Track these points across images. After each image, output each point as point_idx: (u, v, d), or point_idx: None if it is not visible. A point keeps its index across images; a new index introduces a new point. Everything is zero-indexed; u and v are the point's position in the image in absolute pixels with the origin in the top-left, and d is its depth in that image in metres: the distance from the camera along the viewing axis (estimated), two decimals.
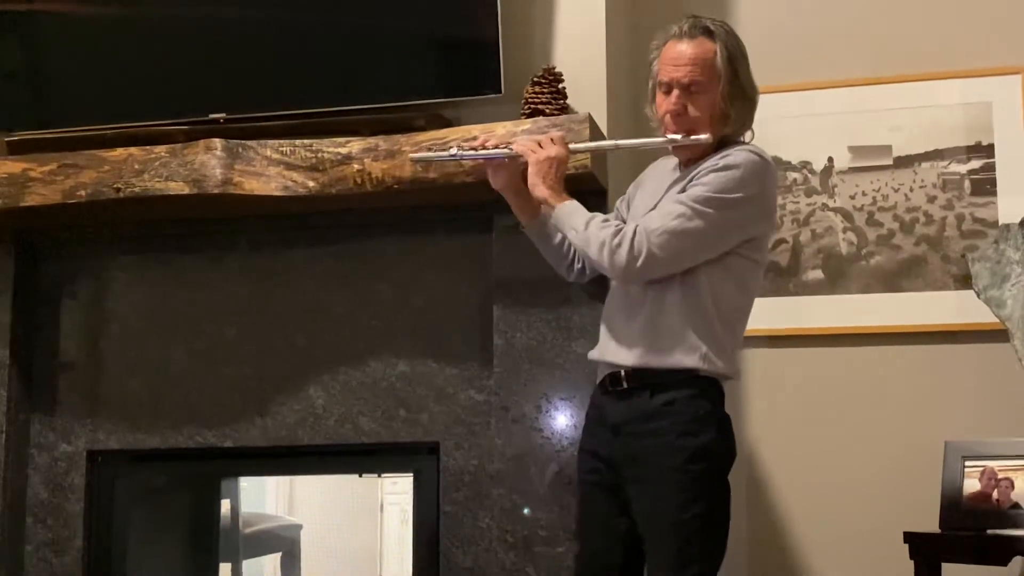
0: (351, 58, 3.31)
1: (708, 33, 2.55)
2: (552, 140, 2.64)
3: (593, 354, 2.67)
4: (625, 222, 2.60)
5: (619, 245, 2.45)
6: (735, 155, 2.48)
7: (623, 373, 2.53)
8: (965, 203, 3.34)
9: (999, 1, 3.40)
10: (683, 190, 2.50)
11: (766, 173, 2.52)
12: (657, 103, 2.60)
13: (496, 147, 2.72)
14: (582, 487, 2.66)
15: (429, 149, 2.89)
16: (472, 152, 2.73)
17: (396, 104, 3.23)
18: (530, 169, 2.62)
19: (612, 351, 2.57)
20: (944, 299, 3.31)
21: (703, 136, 2.54)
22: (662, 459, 2.44)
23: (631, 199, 2.75)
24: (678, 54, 2.54)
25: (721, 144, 2.56)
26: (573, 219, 2.56)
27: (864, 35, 3.47)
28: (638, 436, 2.48)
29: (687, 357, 2.46)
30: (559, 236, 2.74)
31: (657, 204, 2.56)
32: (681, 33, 2.56)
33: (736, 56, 2.55)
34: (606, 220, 2.54)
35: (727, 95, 2.53)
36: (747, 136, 2.62)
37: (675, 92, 2.54)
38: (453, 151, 2.75)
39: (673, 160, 2.68)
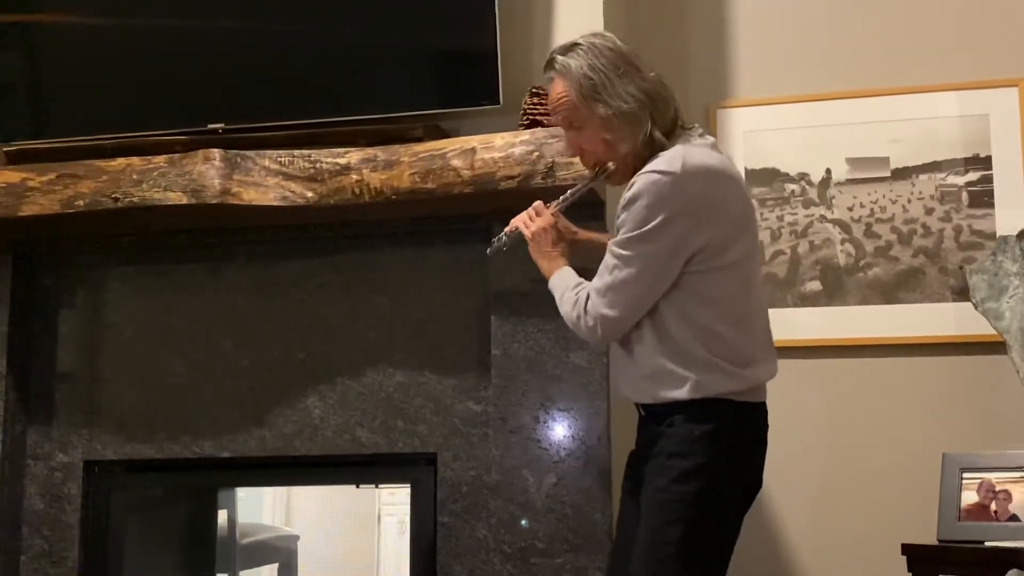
0: (350, 69, 3.31)
1: (556, 69, 2.53)
2: (537, 212, 2.70)
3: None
4: None
5: (579, 317, 2.49)
6: (637, 184, 2.41)
7: (637, 405, 2.55)
8: (963, 215, 3.34)
9: (997, 14, 3.40)
10: (617, 230, 2.48)
11: (678, 186, 2.37)
12: None
13: (509, 231, 2.77)
14: (622, 493, 2.66)
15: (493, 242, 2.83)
16: (506, 239, 2.77)
17: (394, 115, 3.23)
18: (530, 247, 2.70)
19: (622, 388, 2.59)
20: (942, 311, 3.32)
21: (609, 165, 2.56)
22: (652, 479, 2.42)
23: None
24: (550, 100, 2.58)
25: (650, 157, 2.47)
26: (555, 293, 2.61)
27: (862, 47, 3.48)
28: (643, 460, 2.48)
29: (677, 391, 2.41)
30: None
31: None
32: (545, 78, 2.59)
33: (592, 78, 2.48)
34: (576, 286, 2.55)
35: (602, 121, 2.50)
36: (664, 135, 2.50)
37: (566, 135, 2.60)
38: (500, 238, 2.78)
39: None
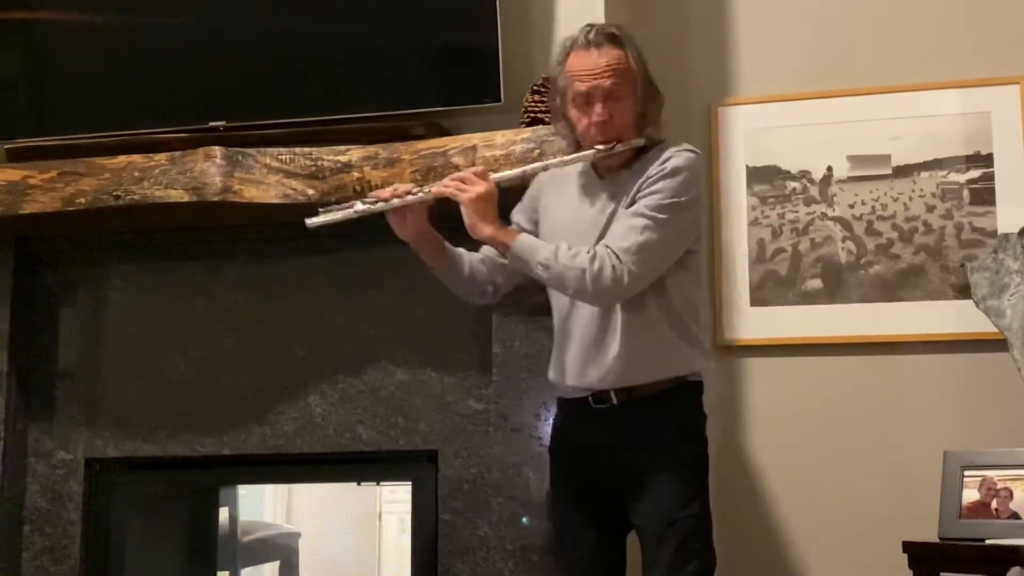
0: (351, 67, 3.31)
1: (614, 39, 2.56)
2: (477, 176, 2.56)
3: (556, 378, 2.63)
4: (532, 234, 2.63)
5: (601, 270, 2.42)
6: (677, 158, 2.51)
7: (612, 392, 2.52)
8: (964, 213, 3.34)
9: (998, 11, 3.40)
10: (632, 202, 2.50)
11: (699, 169, 2.59)
12: (574, 117, 2.56)
13: (407, 194, 2.59)
14: (560, 493, 2.67)
15: (328, 211, 2.63)
16: (382, 204, 2.58)
17: (396, 112, 3.23)
18: (465, 210, 2.53)
19: (589, 376, 2.54)
20: (943, 309, 3.31)
21: (635, 141, 2.55)
22: (662, 463, 2.49)
23: (541, 211, 2.69)
24: (592, 63, 2.52)
25: (643, 147, 2.57)
26: (537, 254, 2.50)
27: (863, 45, 3.47)
28: (635, 448, 2.50)
29: (674, 365, 2.51)
30: (468, 267, 2.71)
31: (608, 219, 2.53)
32: (588, 42, 2.55)
33: (643, 59, 2.59)
34: (570, 248, 2.49)
35: (643, 97, 2.56)
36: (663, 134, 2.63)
37: (598, 102, 2.52)
38: (357, 206, 2.59)
39: (577, 168, 2.64)
